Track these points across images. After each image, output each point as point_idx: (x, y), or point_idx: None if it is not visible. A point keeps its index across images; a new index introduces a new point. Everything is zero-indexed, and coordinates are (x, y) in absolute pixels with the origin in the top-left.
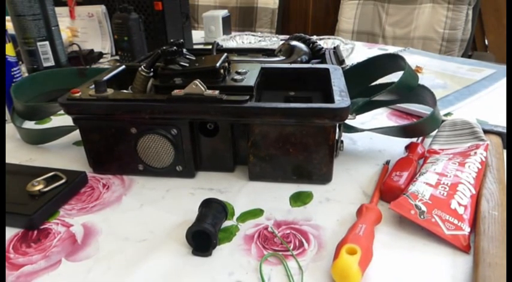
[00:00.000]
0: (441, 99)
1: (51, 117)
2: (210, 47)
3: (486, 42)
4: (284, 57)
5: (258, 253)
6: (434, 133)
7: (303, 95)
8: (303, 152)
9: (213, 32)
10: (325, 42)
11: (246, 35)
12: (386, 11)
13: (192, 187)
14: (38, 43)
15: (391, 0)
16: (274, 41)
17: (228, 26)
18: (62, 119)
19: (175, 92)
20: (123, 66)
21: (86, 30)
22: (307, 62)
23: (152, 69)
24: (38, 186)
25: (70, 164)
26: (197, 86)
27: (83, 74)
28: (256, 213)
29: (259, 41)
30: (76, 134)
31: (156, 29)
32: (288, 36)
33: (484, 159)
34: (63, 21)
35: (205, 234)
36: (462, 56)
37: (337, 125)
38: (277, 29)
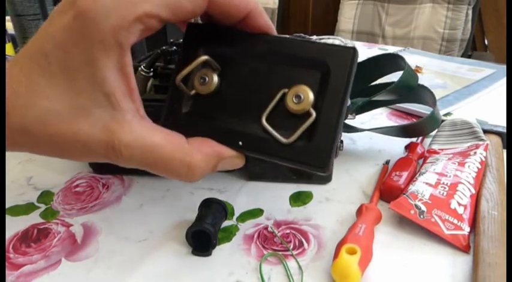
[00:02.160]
0: (441, 99)
1: None
2: None
3: (486, 42)
4: None
5: (258, 253)
6: (434, 133)
7: None
8: None
9: None
10: (325, 42)
11: None
12: (386, 11)
13: (192, 187)
14: None
15: (391, 0)
16: None
17: None
18: None
19: None
20: None
21: None
22: None
23: (152, 69)
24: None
25: (70, 164)
26: None
27: None
28: (256, 213)
29: None
30: None
31: None
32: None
33: (483, 159)
34: None
35: (205, 234)
36: (462, 56)
37: None
38: (277, 29)
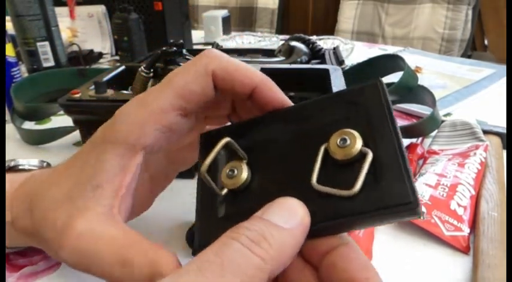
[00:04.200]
0: (441, 100)
1: (51, 117)
2: (210, 47)
3: (486, 42)
4: (284, 58)
5: None
6: (434, 133)
7: (302, 96)
8: None
9: (213, 32)
10: (325, 43)
11: (245, 35)
12: (386, 11)
13: (192, 187)
14: (38, 43)
15: (391, 0)
16: (274, 41)
17: (228, 26)
18: (62, 120)
19: None
20: (123, 67)
21: (86, 30)
22: (307, 62)
23: (152, 70)
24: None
25: None
26: None
27: (83, 74)
28: None
29: (259, 41)
30: (76, 135)
31: (156, 29)
32: (287, 37)
33: (483, 160)
34: (63, 21)
35: None
36: (462, 56)
37: None
38: (277, 29)
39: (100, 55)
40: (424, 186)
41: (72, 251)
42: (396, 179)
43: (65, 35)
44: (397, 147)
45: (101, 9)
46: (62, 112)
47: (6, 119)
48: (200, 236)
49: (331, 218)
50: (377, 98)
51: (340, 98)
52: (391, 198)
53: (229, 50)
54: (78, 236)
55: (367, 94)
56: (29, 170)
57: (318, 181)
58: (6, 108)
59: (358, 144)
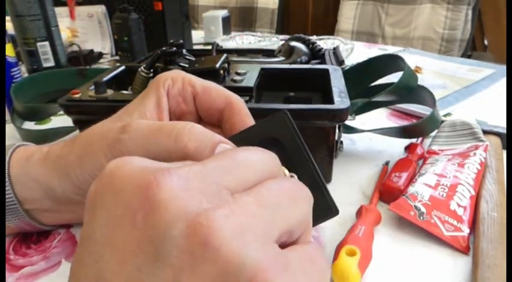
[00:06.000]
0: (440, 100)
1: (51, 117)
2: (209, 47)
3: (485, 42)
4: (284, 58)
5: None
6: (433, 134)
7: (302, 96)
8: None
9: (213, 32)
10: (325, 43)
11: (245, 35)
12: (386, 11)
13: None
14: (38, 43)
15: (391, 1)
16: (274, 41)
17: (228, 26)
18: (62, 120)
19: None
20: (123, 67)
21: (86, 30)
22: (307, 62)
23: (152, 70)
24: None
25: None
26: None
27: (82, 74)
28: None
29: (259, 41)
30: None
31: (156, 29)
32: (287, 37)
33: (483, 160)
34: (63, 21)
35: None
36: (461, 56)
37: (337, 125)
38: (277, 29)
39: (100, 55)
40: (424, 187)
41: (137, 132)
42: (320, 197)
43: (65, 35)
44: (314, 170)
45: (100, 9)
46: (62, 112)
47: (6, 119)
48: None
49: None
50: (288, 130)
51: (257, 135)
52: (321, 214)
53: (229, 50)
54: (139, 122)
55: (278, 127)
56: None
57: None
58: (6, 108)
59: (287, 175)
